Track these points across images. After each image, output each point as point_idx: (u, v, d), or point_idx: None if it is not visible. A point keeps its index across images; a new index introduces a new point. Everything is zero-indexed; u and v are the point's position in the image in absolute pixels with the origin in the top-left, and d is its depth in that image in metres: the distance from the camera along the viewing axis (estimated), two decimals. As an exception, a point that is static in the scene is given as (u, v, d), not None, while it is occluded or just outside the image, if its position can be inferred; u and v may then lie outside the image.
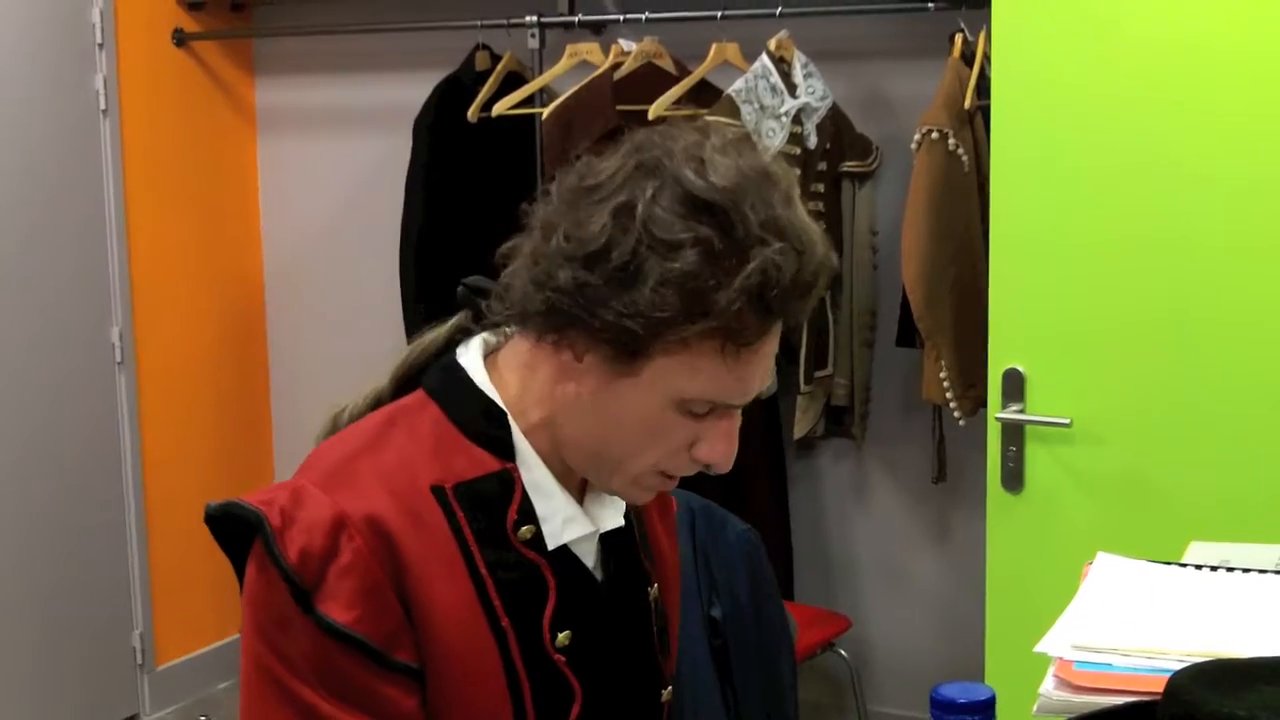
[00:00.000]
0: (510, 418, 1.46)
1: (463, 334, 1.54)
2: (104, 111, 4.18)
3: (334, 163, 4.53)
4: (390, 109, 4.21)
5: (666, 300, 1.32)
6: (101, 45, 4.15)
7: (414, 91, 4.01)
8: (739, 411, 1.43)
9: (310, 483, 1.41)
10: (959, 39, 3.34)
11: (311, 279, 4.62)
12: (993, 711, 1.00)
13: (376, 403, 1.54)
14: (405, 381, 1.54)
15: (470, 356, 1.50)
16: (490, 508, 1.44)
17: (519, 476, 1.46)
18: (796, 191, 1.40)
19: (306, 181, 4.61)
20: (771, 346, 1.40)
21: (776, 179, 1.38)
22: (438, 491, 1.42)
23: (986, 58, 3.20)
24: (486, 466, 1.45)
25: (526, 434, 1.46)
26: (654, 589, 1.59)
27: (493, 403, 1.47)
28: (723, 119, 3.33)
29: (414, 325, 2.97)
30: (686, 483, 2.75)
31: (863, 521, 3.96)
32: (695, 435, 1.41)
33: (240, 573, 1.43)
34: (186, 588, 4.36)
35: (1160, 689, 1.21)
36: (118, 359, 4.25)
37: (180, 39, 4.39)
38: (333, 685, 1.37)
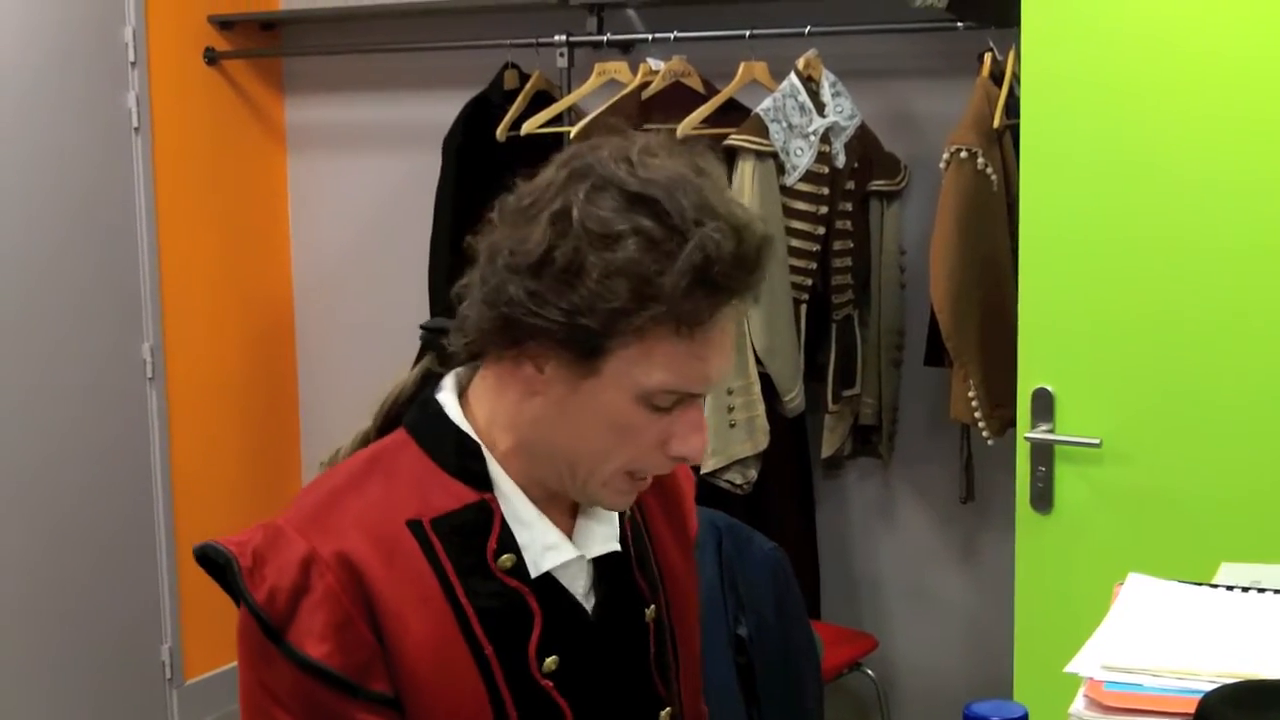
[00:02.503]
0: (484, 449, 1.48)
1: (434, 376, 1.57)
2: (136, 129, 4.20)
3: (363, 181, 4.55)
4: (419, 127, 4.23)
5: (614, 290, 1.34)
6: (134, 64, 4.18)
7: (443, 110, 4.02)
8: (704, 401, 1.45)
9: (288, 522, 1.45)
10: (988, 58, 3.33)
11: (340, 296, 4.64)
12: (1025, 729, 0.99)
13: (364, 443, 1.57)
14: (388, 422, 1.57)
15: (445, 393, 1.53)
16: (469, 539, 1.46)
17: (497, 506, 1.47)
18: (725, 183, 1.44)
19: (335, 199, 4.62)
20: (728, 329, 1.41)
21: (705, 171, 1.41)
22: (414, 526, 1.45)
23: (1015, 77, 3.19)
24: (464, 499, 1.47)
25: (501, 463, 1.48)
26: (650, 610, 1.59)
27: (466, 435, 1.49)
28: (753, 137, 3.33)
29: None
30: (715, 504, 2.77)
31: (890, 541, 3.95)
32: (665, 431, 1.43)
33: (238, 603, 1.46)
34: (215, 602, 4.32)
35: (1191, 710, 1.20)
36: (149, 374, 4.27)
37: (211, 58, 4.42)
38: (313, 714, 1.41)
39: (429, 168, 4.03)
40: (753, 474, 3.43)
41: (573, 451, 1.44)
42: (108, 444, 4.18)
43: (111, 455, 4.20)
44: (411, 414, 1.54)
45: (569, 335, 1.37)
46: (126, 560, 4.25)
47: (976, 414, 3.27)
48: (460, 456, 1.48)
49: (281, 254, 4.72)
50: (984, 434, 3.30)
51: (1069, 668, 1.39)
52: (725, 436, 3.38)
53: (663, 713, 1.59)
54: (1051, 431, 2.66)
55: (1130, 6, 2.55)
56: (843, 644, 3.55)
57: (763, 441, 3.40)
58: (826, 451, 3.63)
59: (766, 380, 3.40)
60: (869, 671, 3.62)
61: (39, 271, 3.98)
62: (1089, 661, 1.38)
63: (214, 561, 1.43)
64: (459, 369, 1.54)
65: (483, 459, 1.48)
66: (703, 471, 3.37)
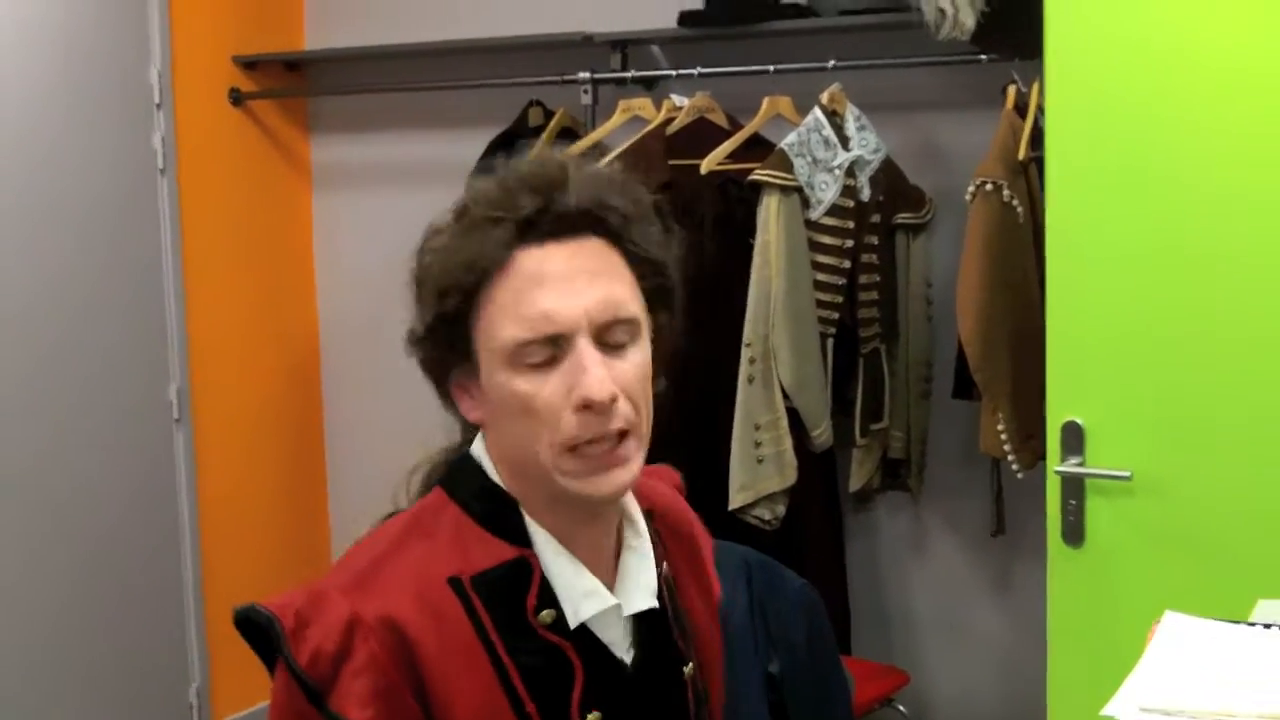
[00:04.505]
0: (520, 503, 1.48)
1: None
2: (162, 170, 4.22)
3: (389, 219, 4.55)
4: (444, 165, 4.23)
5: (430, 274, 1.45)
6: (160, 105, 4.20)
7: (468, 148, 4.03)
8: (589, 347, 1.41)
9: (331, 585, 1.43)
10: (1012, 90, 3.33)
11: (366, 335, 4.64)
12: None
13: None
14: (424, 488, 1.58)
15: (478, 445, 1.52)
16: (508, 595, 1.45)
17: (536, 562, 1.46)
18: (585, 159, 1.49)
19: (361, 238, 4.63)
20: (554, 269, 1.41)
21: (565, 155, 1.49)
22: (455, 584, 1.44)
23: (1040, 109, 3.19)
24: (502, 555, 1.46)
25: (526, 510, 1.47)
26: (689, 667, 1.57)
27: (498, 487, 1.49)
28: (778, 172, 3.33)
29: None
30: (744, 540, 2.75)
31: (920, 575, 3.93)
32: (562, 388, 1.41)
33: (271, 672, 1.45)
34: (244, 642, 4.36)
35: (1231, 753, 1.19)
36: (175, 416, 4.28)
37: (237, 98, 4.44)
38: None
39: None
40: (781, 509, 3.41)
41: (522, 454, 1.44)
42: (135, 485, 4.19)
43: (139, 496, 4.20)
44: (449, 472, 1.53)
45: (438, 342, 1.45)
46: (154, 601, 4.25)
47: (1006, 447, 3.25)
48: (495, 511, 1.48)
49: (307, 293, 4.73)
50: (1014, 467, 3.28)
51: (1106, 710, 1.37)
52: (753, 472, 3.37)
53: None
54: (1082, 464, 2.63)
55: (1154, 37, 2.54)
56: (874, 679, 3.53)
57: (791, 476, 3.39)
58: (855, 485, 3.61)
59: (794, 415, 3.39)
60: (900, 707, 3.59)
61: (65, 313, 4.00)
62: (1126, 704, 1.37)
63: (254, 624, 1.41)
64: None
65: (518, 512, 1.47)
66: (730, 507, 3.36)
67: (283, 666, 1.40)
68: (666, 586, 1.58)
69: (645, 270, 1.47)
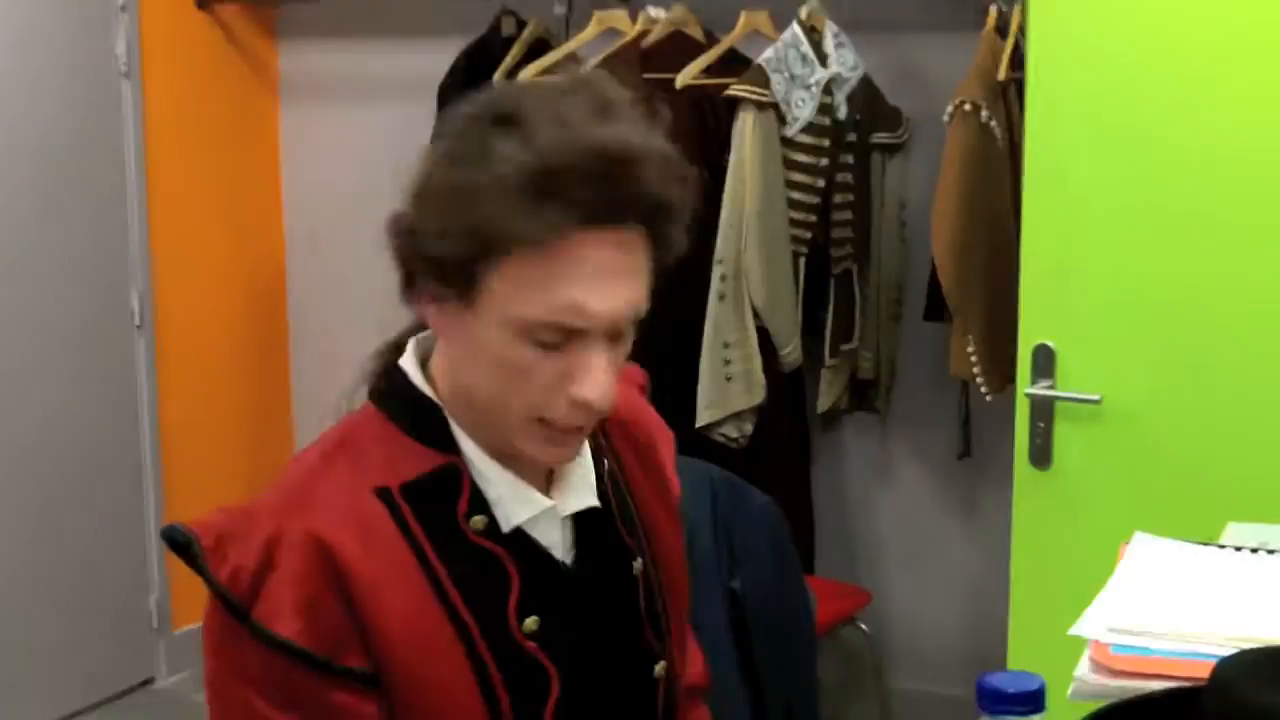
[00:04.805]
0: (446, 411, 1.45)
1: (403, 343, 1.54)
2: (125, 75, 4.15)
3: (357, 128, 4.50)
4: (415, 75, 4.17)
5: (462, 211, 1.32)
6: (124, 8, 4.13)
7: (439, 57, 3.97)
8: (602, 344, 1.36)
9: (260, 504, 1.42)
10: (993, 11, 3.30)
11: (333, 244, 4.59)
12: (1043, 702, 0.96)
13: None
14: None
15: (406, 357, 1.49)
16: (438, 503, 1.43)
17: (465, 468, 1.44)
18: (625, 111, 1.36)
19: (329, 147, 4.57)
20: (600, 258, 1.33)
21: (596, 96, 1.36)
22: (383, 494, 1.41)
23: (1021, 30, 3.16)
24: (431, 462, 1.44)
25: (454, 418, 1.44)
26: (638, 563, 1.55)
27: (426, 397, 1.46)
28: (755, 87, 3.29)
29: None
30: (710, 458, 2.73)
31: (886, 497, 3.93)
32: (562, 372, 1.36)
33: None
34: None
35: (1200, 675, 1.17)
36: (136, 323, 4.24)
37: (203, 2, 4.36)
38: (285, 696, 1.37)
39: (424, 116, 3.97)
40: (748, 428, 3.40)
41: (482, 396, 1.40)
42: (95, 391, 4.15)
43: (99, 403, 4.16)
44: (377, 385, 1.51)
45: (437, 267, 1.36)
46: (114, 510, 4.22)
47: (976, 370, 3.25)
48: (422, 420, 1.45)
49: (274, 201, 4.67)
50: (983, 390, 3.28)
51: (1073, 630, 1.36)
52: (722, 390, 3.35)
53: (657, 667, 1.56)
54: (1052, 388, 2.63)
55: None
56: (836, 598, 3.53)
57: (759, 395, 3.38)
58: (823, 406, 3.61)
59: (764, 334, 3.37)
60: (862, 626, 3.61)
61: (26, 217, 3.94)
62: (1094, 624, 1.35)
63: (176, 542, 1.40)
64: (426, 332, 1.50)
65: (444, 421, 1.44)
66: (698, 425, 3.35)
67: (206, 584, 1.39)
68: (612, 486, 1.55)
69: (662, 254, 1.42)
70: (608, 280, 1.34)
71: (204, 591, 1.40)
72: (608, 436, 1.59)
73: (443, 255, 1.34)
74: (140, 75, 4.18)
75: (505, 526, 1.44)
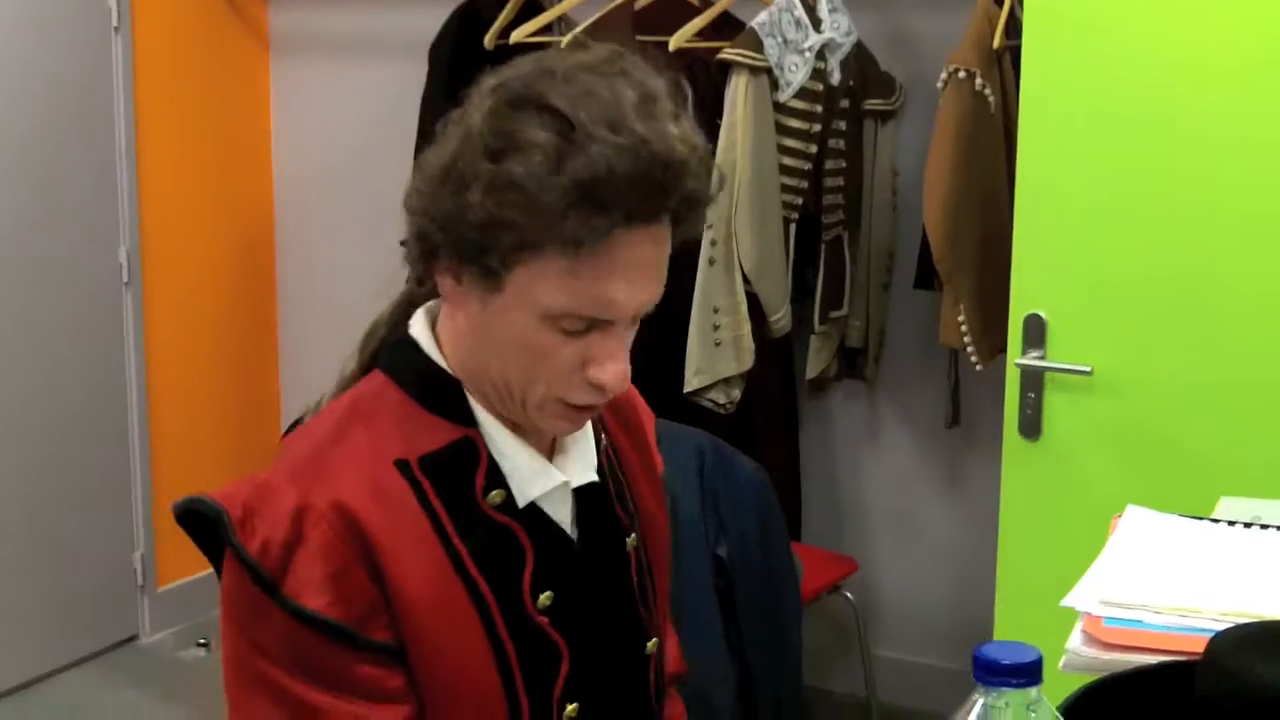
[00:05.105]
0: (463, 383, 1.44)
1: (416, 304, 1.52)
2: (116, 29, 4.12)
3: (348, 88, 4.47)
4: (406, 35, 4.14)
5: (502, 203, 1.31)
6: (115, -41, 4.09)
7: (430, 17, 3.94)
8: (624, 330, 1.38)
9: (276, 476, 1.40)
10: (990, -23, 3.27)
11: (322, 205, 4.57)
12: (1040, 674, 0.95)
13: (348, 385, 1.52)
14: (372, 359, 1.52)
15: (418, 326, 1.48)
16: (456, 476, 1.42)
17: (482, 441, 1.43)
18: (663, 105, 1.35)
19: (319, 106, 4.55)
20: (636, 254, 1.33)
21: (636, 85, 1.34)
22: (402, 466, 1.41)
23: (1017, -2, 3.14)
24: (448, 435, 1.43)
25: (470, 391, 1.44)
26: (632, 539, 1.55)
27: (441, 369, 1.45)
28: (748, 51, 3.27)
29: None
30: (698, 423, 2.72)
31: (874, 465, 3.93)
32: (582, 356, 1.37)
33: (218, 568, 1.42)
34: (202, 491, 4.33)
35: (1193, 649, 1.17)
36: (125, 279, 4.21)
37: (194, -44, 4.33)
38: (311, 670, 1.36)
39: (415, 76, 3.95)
40: (736, 394, 3.39)
41: (500, 374, 1.40)
42: (82, 347, 4.13)
43: (86, 359, 4.14)
44: (388, 354, 1.49)
45: (467, 249, 1.34)
46: (99, 465, 4.21)
47: (966, 339, 3.24)
48: (438, 393, 1.44)
49: (263, 161, 4.64)
50: (973, 359, 3.27)
51: (1065, 601, 1.35)
52: (710, 355, 3.34)
53: (649, 644, 1.56)
54: (1042, 358, 2.62)
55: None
56: (823, 567, 3.53)
57: (748, 361, 3.37)
58: (812, 373, 3.60)
59: (753, 299, 3.36)
60: (848, 594, 3.61)
61: (14, 170, 3.91)
62: (1087, 596, 1.35)
63: (199, 515, 1.38)
64: (434, 300, 1.49)
65: (461, 393, 1.44)
66: (686, 390, 3.34)
67: (232, 558, 1.37)
68: (607, 461, 1.56)
69: (680, 240, 1.42)
70: (638, 274, 1.35)
71: (189, 549, 1.39)
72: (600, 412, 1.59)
73: (477, 241, 1.33)
74: (131, 30, 4.15)
75: (521, 501, 1.44)
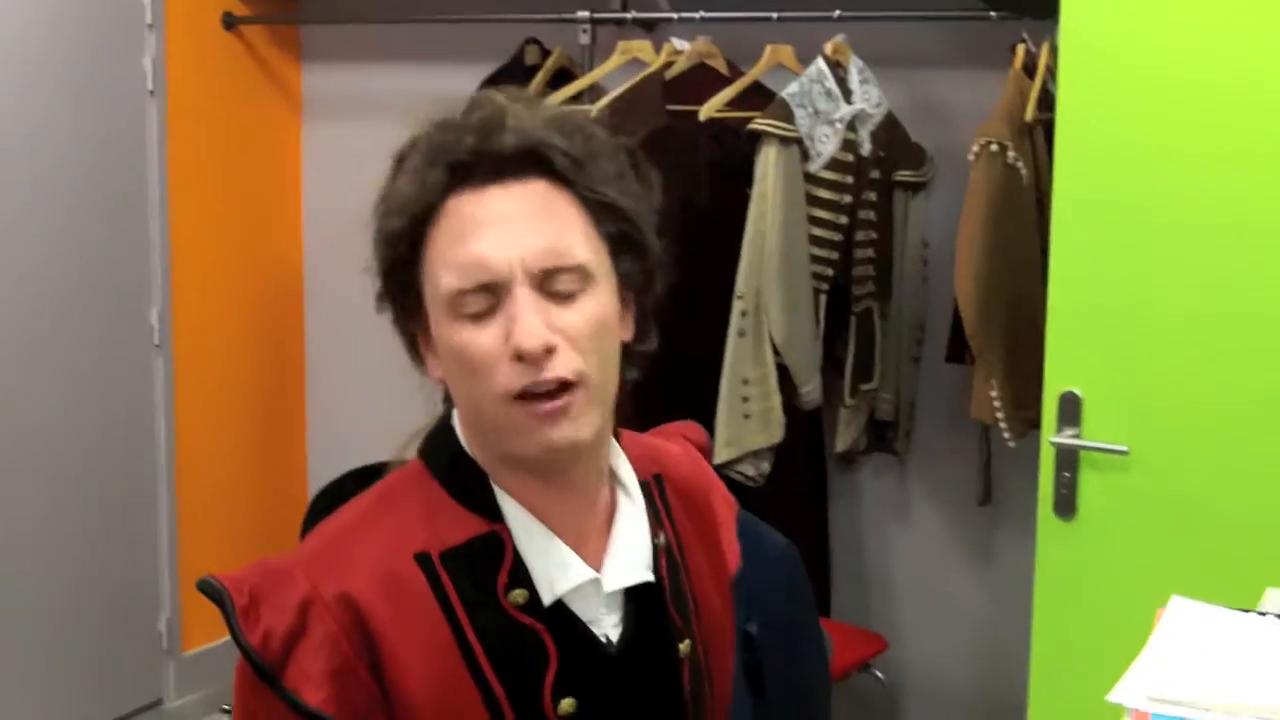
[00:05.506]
0: (490, 475, 1.40)
1: None
2: (151, 92, 4.15)
3: (378, 153, 4.42)
4: (437, 98, 4.15)
5: (383, 212, 1.44)
6: (151, 26, 4.13)
7: (462, 83, 3.94)
8: (526, 295, 1.33)
9: (294, 561, 1.37)
10: (1021, 50, 3.27)
11: (351, 268, 4.49)
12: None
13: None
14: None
15: (457, 414, 1.46)
16: (479, 573, 1.38)
17: (509, 537, 1.39)
18: (536, 102, 1.42)
19: (350, 170, 4.52)
20: (493, 210, 1.35)
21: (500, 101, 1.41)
22: (422, 560, 1.37)
23: (1049, 70, 3.13)
24: (474, 529, 1.39)
25: (494, 477, 1.40)
26: (685, 645, 1.49)
27: (468, 456, 1.42)
28: (778, 121, 3.26)
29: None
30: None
31: (904, 540, 3.89)
32: (501, 336, 1.34)
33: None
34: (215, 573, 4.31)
35: (1242, 750, 1.14)
36: (155, 341, 4.22)
37: (229, 22, 4.36)
38: None
39: (446, 142, 3.96)
40: (766, 467, 3.37)
41: (473, 411, 1.38)
42: (112, 410, 4.13)
43: (116, 422, 4.14)
44: (427, 440, 1.46)
45: (391, 296, 1.42)
46: (127, 529, 4.20)
47: (998, 414, 3.21)
48: (467, 484, 1.41)
49: (293, 223, 4.66)
50: (1005, 435, 3.24)
51: (1111, 696, 1.32)
52: (739, 427, 3.32)
53: None
54: (1078, 436, 2.59)
55: (1173, 2, 2.48)
56: (853, 644, 3.49)
57: (777, 434, 3.34)
58: (841, 446, 3.57)
59: (783, 372, 3.34)
60: (878, 673, 3.57)
61: (48, 232, 3.93)
62: (1134, 691, 1.32)
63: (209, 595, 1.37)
64: None
65: (487, 485, 1.40)
66: (715, 462, 3.29)
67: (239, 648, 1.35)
68: (667, 559, 1.49)
69: (603, 215, 1.38)
70: (504, 228, 1.35)
71: (216, 615, 1.37)
72: (668, 505, 1.54)
73: (386, 280, 1.42)
74: (165, 93, 4.18)
75: (547, 598, 1.39)
